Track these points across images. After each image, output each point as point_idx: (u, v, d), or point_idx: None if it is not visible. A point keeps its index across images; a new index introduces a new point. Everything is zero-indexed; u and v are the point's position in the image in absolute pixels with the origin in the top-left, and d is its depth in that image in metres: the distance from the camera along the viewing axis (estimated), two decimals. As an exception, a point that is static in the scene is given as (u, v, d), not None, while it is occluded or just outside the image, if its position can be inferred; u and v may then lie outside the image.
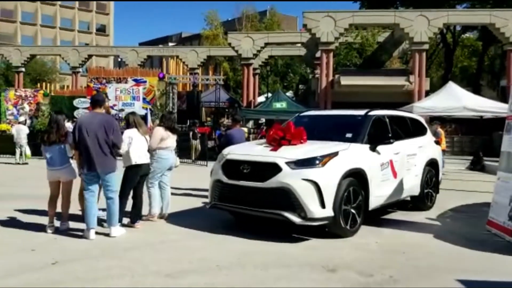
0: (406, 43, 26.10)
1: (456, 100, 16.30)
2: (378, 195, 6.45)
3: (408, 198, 7.65)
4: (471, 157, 17.37)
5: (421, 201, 7.80)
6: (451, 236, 5.92)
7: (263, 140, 6.82)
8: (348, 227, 5.74)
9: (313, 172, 5.50)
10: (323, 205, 5.43)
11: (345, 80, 22.52)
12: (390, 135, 6.80)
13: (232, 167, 5.98)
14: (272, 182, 5.53)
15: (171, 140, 6.86)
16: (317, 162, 5.61)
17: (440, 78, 35.45)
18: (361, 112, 7.06)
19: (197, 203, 7.96)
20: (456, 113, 16.74)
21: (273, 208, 5.55)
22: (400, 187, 7.05)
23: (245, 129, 10.84)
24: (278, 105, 22.52)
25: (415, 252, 5.17)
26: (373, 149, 6.44)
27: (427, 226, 6.63)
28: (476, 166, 16.45)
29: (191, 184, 10.04)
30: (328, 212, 5.48)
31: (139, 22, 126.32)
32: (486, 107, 16.50)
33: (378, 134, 6.69)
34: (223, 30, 45.40)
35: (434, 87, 25.23)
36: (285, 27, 48.49)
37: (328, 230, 5.71)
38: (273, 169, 5.58)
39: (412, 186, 7.46)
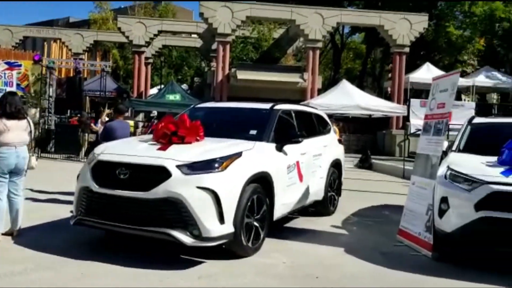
0: (300, 40, 26.31)
1: (350, 98, 16.45)
2: (284, 203, 5.57)
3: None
4: (358, 155, 17.85)
5: (324, 206, 7.14)
6: (364, 250, 5.23)
7: (150, 136, 5.52)
8: (250, 244, 4.73)
9: (212, 178, 4.39)
10: (222, 219, 4.34)
11: (242, 75, 21.88)
12: (298, 133, 5.97)
13: (106, 171, 4.60)
14: (158, 192, 4.28)
15: (15, 132, 5.12)
16: (217, 165, 4.50)
17: (328, 78, 36.87)
18: (266, 106, 6.12)
19: (62, 212, 6.31)
20: (350, 111, 16.92)
21: (158, 225, 4.30)
22: (306, 192, 6.28)
23: (131, 122, 9.30)
24: (171, 97, 21.13)
25: (329, 275, 4.32)
26: (279, 148, 5.55)
27: (335, 237, 5.93)
28: (365, 164, 16.89)
29: (61, 186, 8.28)
30: (228, 228, 4.41)
31: (23, 4, 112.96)
32: (378, 106, 16.90)
33: (285, 132, 5.82)
34: (114, 15, 42.12)
35: (323, 87, 25.84)
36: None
37: (226, 247, 4.63)
38: (160, 174, 4.35)
39: (317, 190, 6.75)
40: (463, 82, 21.29)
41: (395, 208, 7.13)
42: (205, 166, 4.45)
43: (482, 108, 23.41)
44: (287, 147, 5.68)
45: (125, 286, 3.86)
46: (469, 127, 6.23)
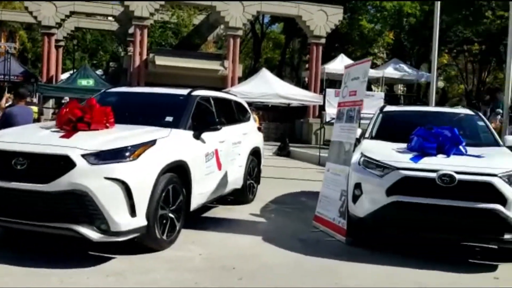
0: (221, 28, 26.02)
1: (269, 87, 16.58)
2: (201, 192, 5.38)
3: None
4: (277, 143, 18.15)
5: (243, 194, 7.07)
6: (282, 237, 5.23)
7: (53, 123, 5.03)
8: (165, 237, 4.49)
9: (122, 168, 4.06)
10: (133, 212, 4.05)
11: (160, 60, 21.17)
12: (216, 120, 5.79)
13: (0, 161, 4.12)
14: (60, 184, 3.87)
15: None
16: (127, 154, 4.18)
17: (248, 67, 37.07)
18: (184, 91, 5.85)
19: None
20: (269, 100, 17.06)
21: (61, 220, 3.91)
22: (224, 180, 6.15)
23: (34, 108, 8.51)
24: (84, 82, 19.96)
25: (247, 266, 4.22)
26: (197, 136, 5.33)
27: (254, 225, 5.87)
28: (283, 151, 17.20)
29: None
30: (140, 221, 4.13)
31: None
32: (296, 95, 17.21)
33: (203, 119, 5.60)
34: (22, -6, 38.68)
35: (244, 76, 25.90)
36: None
37: (138, 241, 4.35)
38: (63, 164, 3.93)
39: (236, 178, 6.65)
40: (373, 73, 22.39)
41: (312, 194, 7.25)
42: (114, 155, 4.12)
43: (391, 98, 24.94)
44: (205, 135, 5.49)
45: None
46: (380, 115, 6.46)
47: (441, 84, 35.83)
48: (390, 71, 24.99)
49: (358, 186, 4.92)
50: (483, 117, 6.63)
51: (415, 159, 4.78)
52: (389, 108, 6.89)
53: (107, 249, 4.25)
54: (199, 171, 5.26)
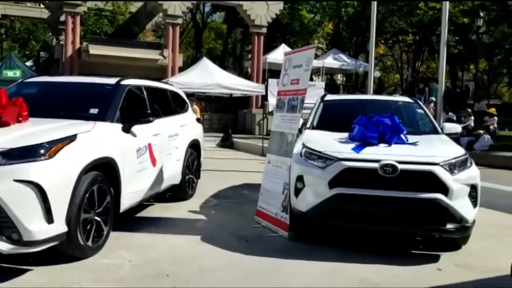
0: (160, 16, 25.15)
1: (210, 77, 16.13)
2: (133, 191, 4.94)
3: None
4: (220, 134, 17.83)
5: (182, 190, 6.68)
6: (222, 235, 4.91)
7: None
8: (90, 243, 4.03)
9: (35, 169, 3.54)
10: (50, 218, 3.56)
11: (95, 49, 20.05)
12: (149, 111, 5.35)
13: None
14: (-42, 189, 3.33)
15: None
16: (42, 152, 3.67)
17: (190, 57, 36.32)
18: (111, 81, 5.33)
19: None
20: (211, 90, 16.63)
21: (-40, 231, 3.38)
22: (160, 177, 5.74)
23: None
24: (10, 73, 18.47)
25: (182, 270, 3.85)
26: (127, 129, 4.88)
27: (192, 224, 5.51)
28: (226, 143, 16.96)
29: None
30: (59, 227, 3.65)
31: None
32: (238, 85, 16.91)
33: (134, 110, 5.14)
34: None
35: (185, 66, 25.25)
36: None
37: (59, 249, 3.87)
38: (-37, 165, 3.40)
39: (174, 174, 6.26)
40: (314, 63, 22.43)
41: (255, 187, 6.97)
42: (27, 153, 3.59)
43: (331, 88, 25.34)
44: (136, 128, 5.04)
45: None
46: (322, 104, 6.28)
47: (377, 73, 37.01)
48: (330, 61, 25.32)
49: (300, 178, 4.69)
50: (421, 104, 6.63)
51: (357, 149, 4.61)
52: (330, 97, 6.75)
53: (23, 260, 3.75)
54: (130, 168, 4.82)
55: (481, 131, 15.29)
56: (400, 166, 4.27)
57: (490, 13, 27.54)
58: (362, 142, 4.73)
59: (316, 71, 26.23)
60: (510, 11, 26.78)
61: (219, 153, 14.18)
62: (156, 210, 6.07)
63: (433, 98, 19.65)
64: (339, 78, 34.22)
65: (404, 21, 31.49)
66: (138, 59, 20.49)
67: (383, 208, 4.31)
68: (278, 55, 22.66)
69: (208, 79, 15.90)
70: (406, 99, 6.96)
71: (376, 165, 4.31)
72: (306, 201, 4.58)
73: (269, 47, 25.65)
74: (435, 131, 5.74)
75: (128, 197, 4.84)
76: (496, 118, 17.14)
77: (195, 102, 14.58)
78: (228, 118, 21.95)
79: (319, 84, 20.86)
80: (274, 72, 25.99)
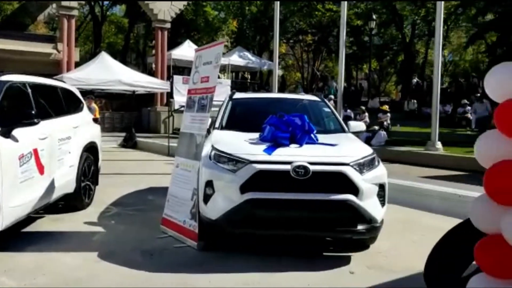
0: (53, 7, 23.19)
1: (111, 73, 15.16)
2: (16, 205, 4.26)
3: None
4: (122, 134, 16.94)
5: (77, 199, 6.00)
6: (122, 251, 4.39)
7: None
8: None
9: None
10: None
11: (-25, 41, 17.85)
12: (34, 112, 4.65)
13: None
14: None
15: None
16: None
17: (89, 52, 34.26)
18: (-15, 77, 4.57)
19: None
20: (111, 87, 15.63)
21: None
22: (51, 186, 5.06)
23: None
24: None
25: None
26: (6, 134, 4.19)
27: (88, 238, 4.88)
28: (129, 142, 16.21)
29: None
30: None
31: None
32: (141, 81, 16.13)
33: (15, 111, 4.45)
34: None
35: (83, 61, 23.65)
36: None
37: None
38: None
39: (67, 181, 5.59)
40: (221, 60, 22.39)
41: (161, 191, 6.51)
42: None
43: (240, 85, 25.43)
44: (18, 131, 4.36)
45: None
46: (230, 103, 6.02)
47: (280, 72, 37.99)
48: (235, 59, 25.36)
49: (209, 183, 4.36)
50: (328, 103, 6.67)
51: (269, 150, 4.40)
52: (238, 95, 6.51)
53: None
54: (11, 178, 4.14)
55: (376, 127, 16.22)
56: (312, 168, 4.13)
57: (381, 15, 29.53)
58: (274, 143, 4.54)
59: (222, 69, 26.11)
60: (398, 14, 28.98)
61: (121, 154, 13.38)
62: (46, 224, 5.35)
63: (332, 96, 20.53)
64: (246, 75, 34.53)
65: (304, 21, 32.67)
66: (29, 52, 18.70)
67: (297, 212, 4.13)
68: (183, 51, 22.13)
69: (108, 75, 14.93)
70: (313, 97, 6.97)
71: (288, 167, 4.13)
72: (216, 208, 4.27)
73: (174, 43, 24.96)
74: (342, 130, 5.76)
75: (10, 212, 4.15)
76: (389, 114, 18.38)
77: (93, 100, 13.58)
78: (131, 117, 20.91)
79: (225, 82, 20.75)
80: (179, 68, 25.36)
